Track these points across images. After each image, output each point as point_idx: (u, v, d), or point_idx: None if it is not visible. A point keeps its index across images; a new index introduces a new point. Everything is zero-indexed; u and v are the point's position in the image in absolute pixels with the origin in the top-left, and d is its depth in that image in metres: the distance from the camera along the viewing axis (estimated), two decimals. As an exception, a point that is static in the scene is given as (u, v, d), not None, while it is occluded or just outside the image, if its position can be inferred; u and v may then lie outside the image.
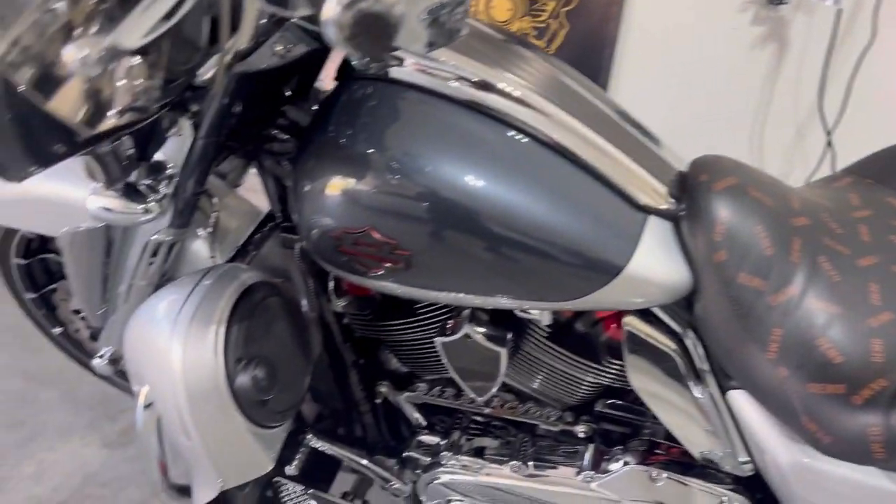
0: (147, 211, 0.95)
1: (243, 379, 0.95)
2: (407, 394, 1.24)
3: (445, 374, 1.19)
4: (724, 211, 0.91)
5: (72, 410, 1.75)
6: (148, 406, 0.98)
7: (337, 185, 0.90)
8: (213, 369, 0.92)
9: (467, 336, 1.04)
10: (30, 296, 1.58)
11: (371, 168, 0.89)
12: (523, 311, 1.02)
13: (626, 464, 1.10)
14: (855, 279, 0.92)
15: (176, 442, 1.01)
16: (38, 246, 1.52)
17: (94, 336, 1.58)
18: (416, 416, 1.26)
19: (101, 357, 1.38)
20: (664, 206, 0.94)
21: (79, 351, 1.68)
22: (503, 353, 1.04)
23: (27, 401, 1.76)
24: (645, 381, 1.00)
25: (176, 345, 0.92)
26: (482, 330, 1.03)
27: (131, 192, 0.95)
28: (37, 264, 1.57)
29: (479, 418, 1.26)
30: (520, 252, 0.89)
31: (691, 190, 0.95)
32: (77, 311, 1.57)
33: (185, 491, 1.17)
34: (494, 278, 0.92)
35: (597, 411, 1.19)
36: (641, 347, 0.98)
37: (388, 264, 0.92)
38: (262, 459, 1.02)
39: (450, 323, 1.06)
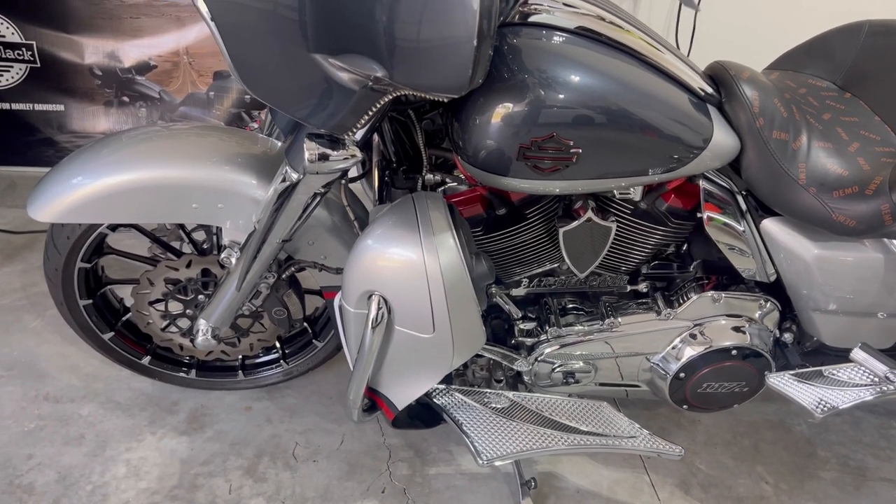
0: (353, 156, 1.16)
1: (479, 269, 1.19)
2: (513, 290, 1.52)
3: (545, 267, 1.50)
4: (755, 92, 1.33)
5: (124, 415, 1.74)
6: (379, 311, 1.18)
7: (522, 107, 1.17)
8: (460, 265, 1.15)
9: (589, 220, 1.36)
10: (84, 302, 1.58)
11: (546, 90, 1.17)
12: (623, 193, 1.38)
13: (692, 296, 1.50)
14: (827, 127, 1.40)
15: (403, 344, 1.22)
16: (97, 250, 1.54)
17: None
18: (513, 310, 1.54)
19: (204, 334, 1.49)
20: (713, 96, 1.33)
21: (133, 349, 1.71)
22: (614, 227, 1.38)
23: (71, 419, 1.71)
24: (714, 224, 1.40)
25: (429, 252, 1.13)
26: (599, 213, 1.37)
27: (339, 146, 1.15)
28: (92, 270, 1.58)
29: (562, 299, 1.58)
30: (654, 136, 1.23)
31: (724, 83, 1.36)
32: (153, 302, 1.61)
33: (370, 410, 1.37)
34: (639, 160, 1.25)
35: (647, 272, 1.58)
36: (713, 199, 1.38)
37: (563, 162, 1.21)
38: (481, 335, 1.26)
39: (571, 213, 1.37)
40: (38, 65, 2.39)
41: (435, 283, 1.15)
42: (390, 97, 1.04)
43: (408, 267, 1.15)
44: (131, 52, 2.42)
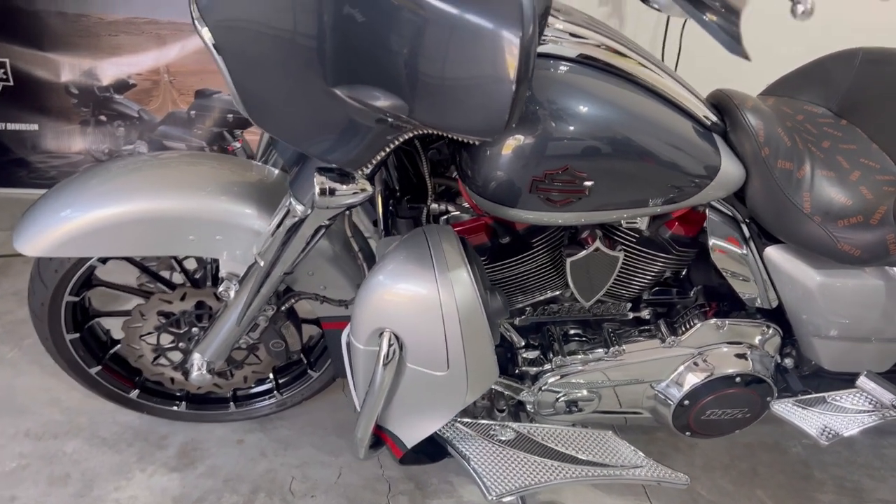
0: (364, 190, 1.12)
1: (493, 304, 1.16)
2: (518, 319, 1.50)
3: (548, 295, 1.48)
4: (759, 121, 1.34)
5: (110, 451, 1.67)
6: (391, 348, 1.14)
7: (535, 139, 1.15)
8: (476, 300, 1.12)
9: (597, 249, 1.35)
10: (71, 336, 1.52)
11: (559, 122, 1.15)
12: (630, 222, 1.37)
13: (696, 323, 1.49)
14: (828, 156, 1.41)
15: (414, 382, 1.18)
16: (86, 283, 1.48)
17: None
18: (516, 338, 1.52)
19: (199, 368, 1.45)
20: (717, 125, 1.33)
21: (121, 383, 1.64)
22: (621, 256, 1.37)
23: (55, 457, 1.64)
24: (719, 251, 1.40)
25: (444, 288, 1.10)
26: (606, 242, 1.35)
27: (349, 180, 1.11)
28: (79, 304, 1.52)
29: (564, 327, 1.56)
30: (667, 168, 1.22)
31: (728, 112, 1.36)
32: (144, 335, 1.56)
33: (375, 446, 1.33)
34: (650, 191, 1.24)
35: (648, 299, 1.57)
36: (718, 228, 1.38)
37: (575, 195, 1.19)
38: (495, 370, 1.24)
39: (579, 243, 1.36)
40: (12, 83, 2.30)
41: (450, 320, 1.12)
42: (410, 134, 1.00)
43: (422, 303, 1.12)
44: (109, 70, 2.34)
